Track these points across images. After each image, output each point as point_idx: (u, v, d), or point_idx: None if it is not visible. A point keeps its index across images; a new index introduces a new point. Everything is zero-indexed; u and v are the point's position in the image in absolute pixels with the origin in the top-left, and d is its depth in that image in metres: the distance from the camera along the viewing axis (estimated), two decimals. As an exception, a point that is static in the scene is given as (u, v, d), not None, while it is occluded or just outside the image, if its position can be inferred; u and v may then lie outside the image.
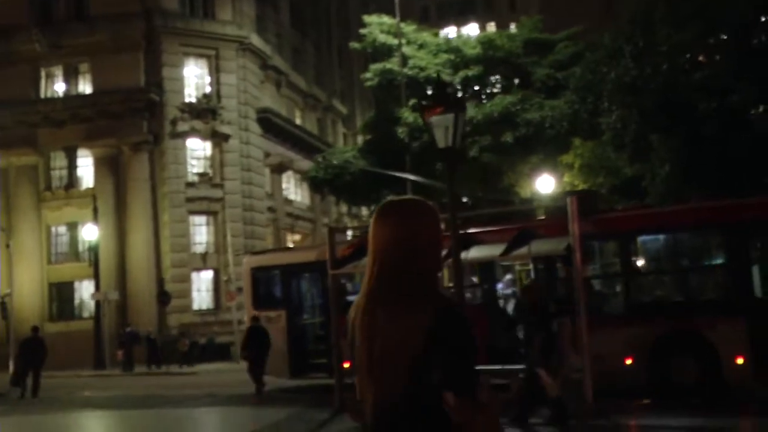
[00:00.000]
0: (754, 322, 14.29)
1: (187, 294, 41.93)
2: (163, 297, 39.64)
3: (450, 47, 36.88)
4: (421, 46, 36.65)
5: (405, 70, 34.30)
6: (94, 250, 39.06)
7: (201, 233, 43.34)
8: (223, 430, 16.84)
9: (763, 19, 20.69)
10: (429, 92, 30.12)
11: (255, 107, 45.86)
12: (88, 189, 42.73)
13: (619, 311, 16.07)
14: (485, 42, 36.60)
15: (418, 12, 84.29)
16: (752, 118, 20.31)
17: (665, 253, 17.02)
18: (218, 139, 43.72)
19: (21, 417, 19.25)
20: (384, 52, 36.25)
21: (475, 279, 19.02)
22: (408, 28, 37.22)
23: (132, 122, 41.89)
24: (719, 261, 16.03)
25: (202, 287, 43.12)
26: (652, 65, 21.47)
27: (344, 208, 57.19)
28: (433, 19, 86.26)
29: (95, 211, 38.98)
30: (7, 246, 38.95)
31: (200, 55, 44.46)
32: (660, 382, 14.91)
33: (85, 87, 44.38)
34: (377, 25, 37.10)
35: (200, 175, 43.44)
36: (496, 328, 16.45)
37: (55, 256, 44.03)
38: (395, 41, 35.08)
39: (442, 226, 3.11)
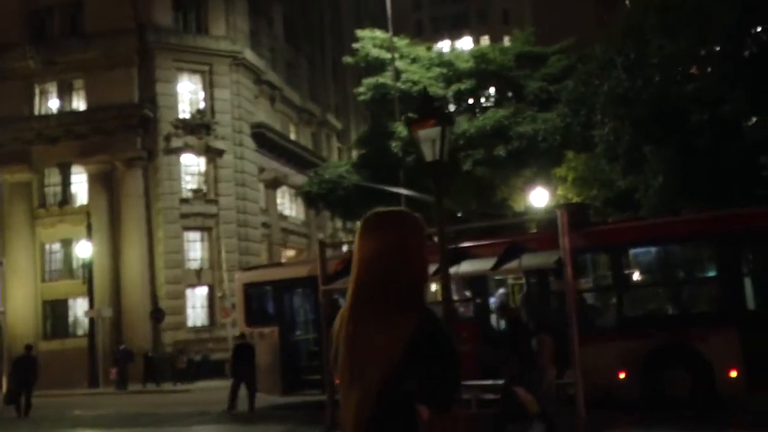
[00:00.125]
0: (747, 334, 14.21)
1: (181, 310, 41.74)
2: (157, 314, 39.44)
3: (443, 61, 36.87)
4: (414, 60, 36.65)
5: (398, 84, 34.27)
6: (88, 267, 38.88)
7: (195, 249, 43.19)
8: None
9: (754, 30, 20.69)
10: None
11: (249, 122, 45.81)
12: (82, 206, 42.57)
13: (612, 324, 15.97)
14: (478, 55, 36.61)
15: (412, 26, 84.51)
16: (745, 129, 20.27)
17: (657, 266, 16.95)
18: (212, 154, 43.66)
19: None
20: (377, 66, 36.25)
21: (468, 293, 18.92)
22: (401, 42, 37.22)
23: (126, 138, 41.81)
24: (711, 273, 15.95)
25: (196, 304, 42.95)
26: (644, 77, 21.46)
27: (339, 223, 57.08)
28: (427, 33, 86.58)
29: (89, 227, 38.82)
30: (1, 263, 38.73)
31: (194, 71, 44.44)
32: (653, 395, 14.82)
33: (79, 103, 44.35)
34: (370, 40, 37.11)
35: (194, 190, 43.35)
36: (488, 342, 16.34)
37: (49, 273, 43.86)
38: (388, 55, 35.08)
39: (434, 239, 3.08)
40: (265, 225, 47.58)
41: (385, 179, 32.14)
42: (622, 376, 15.10)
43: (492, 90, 37.15)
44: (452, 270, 15.49)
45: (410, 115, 14.14)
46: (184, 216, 42.33)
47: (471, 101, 36.79)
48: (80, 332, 41.30)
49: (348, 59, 39.83)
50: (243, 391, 20.51)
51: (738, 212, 15.29)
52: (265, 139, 47.07)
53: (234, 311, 31.39)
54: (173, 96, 43.32)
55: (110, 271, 40.98)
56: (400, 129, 33.23)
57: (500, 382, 13.72)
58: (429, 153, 10.63)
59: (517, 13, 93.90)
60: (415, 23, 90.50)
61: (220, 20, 45.65)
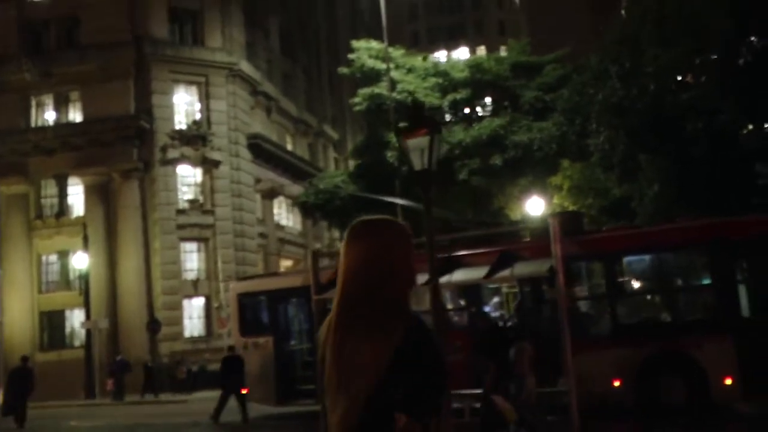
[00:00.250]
0: (742, 341, 14.19)
1: (178, 321, 41.65)
2: (153, 325, 39.34)
3: (438, 71, 36.95)
4: (409, 71, 36.72)
5: (393, 94, 34.29)
6: (84, 278, 38.82)
7: (192, 260, 43.12)
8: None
9: (749, 38, 20.72)
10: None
11: (245, 133, 45.82)
12: (78, 217, 42.50)
13: (607, 332, 15.94)
14: (473, 65, 36.72)
15: (408, 37, 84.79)
16: (740, 138, 20.28)
17: (651, 274, 16.94)
18: (209, 165, 43.66)
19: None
20: (372, 76, 36.30)
21: (462, 302, 18.88)
22: (396, 52, 37.30)
23: (122, 150, 41.79)
24: (706, 281, 15.93)
25: (193, 314, 42.86)
26: (639, 86, 21.49)
27: (336, 233, 56.99)
28: (423, 44, 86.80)
29: (86, 239, 38.77)
30: (-3, 275, 38.77)
31: (190, 82, 44.47)
32: (648, 403, 14.78)
33: (76, 115, 44.32)
34: (365, 50, 37.19)
35: (191, 201, 43.32)
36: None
37: (45, 284, 43.73)
38: (383, 66, 35.11)
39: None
40: (261, 235, 47.54)
41: (382, 189, 32.12)
42: (617, 383, 15.08)
43: (488, 99, 37.25)
44: (445, 279, 15.51)
45: (399, 125, 14.10)
46: (180, 227, 42.28)
47: (467, 111, 36.87)
48: (77, 343, 41.15)
49: (343, 70, 39.90)
50: (233, 403, 20.45)
51: (732, 220, 15.28)
52: (261, 150, 47.07)
53: (230, 322, 31.35)
54: (169, 107, 43.34)
55: (107, 282, 40.90)
56: (396, 139, 33.20)
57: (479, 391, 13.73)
58: (418, 162, 10.62)
59: (513, 24, 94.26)
60: (411, 34, 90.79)
61: (217, 32, 45.71)
